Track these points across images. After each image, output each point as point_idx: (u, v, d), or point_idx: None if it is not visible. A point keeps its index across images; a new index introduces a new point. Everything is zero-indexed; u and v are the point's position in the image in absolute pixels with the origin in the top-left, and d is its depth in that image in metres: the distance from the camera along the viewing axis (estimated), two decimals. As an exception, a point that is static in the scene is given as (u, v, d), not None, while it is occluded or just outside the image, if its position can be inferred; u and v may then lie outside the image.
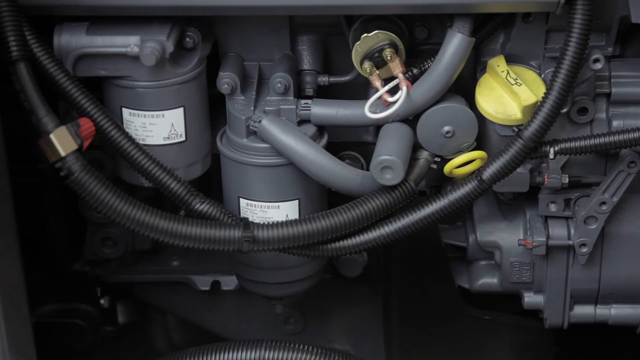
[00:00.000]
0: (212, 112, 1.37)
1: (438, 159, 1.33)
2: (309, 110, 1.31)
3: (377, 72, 1.28)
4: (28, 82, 1.17)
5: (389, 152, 1.25)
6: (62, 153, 1.20)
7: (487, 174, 1.27)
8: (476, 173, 1.28)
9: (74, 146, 1.20)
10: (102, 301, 1.65)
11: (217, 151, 1.35)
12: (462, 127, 1.30)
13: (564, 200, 1.40)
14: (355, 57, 1.29)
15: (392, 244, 1.32)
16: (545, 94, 1.25)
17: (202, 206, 1.28)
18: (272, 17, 1.34)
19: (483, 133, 1.34)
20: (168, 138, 1.31)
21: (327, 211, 1.28)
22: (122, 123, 1.30)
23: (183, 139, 1.32)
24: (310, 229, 1.26)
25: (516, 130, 1.28)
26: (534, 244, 1.40)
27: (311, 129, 1.32)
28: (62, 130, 1.19)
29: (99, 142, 1.35)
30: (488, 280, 1.50)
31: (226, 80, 1.31)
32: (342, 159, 1.40)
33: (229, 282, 1.59)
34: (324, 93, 1.37)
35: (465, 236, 1.50)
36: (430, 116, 1.30)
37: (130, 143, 1.27)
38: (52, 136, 1.19)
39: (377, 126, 1.34)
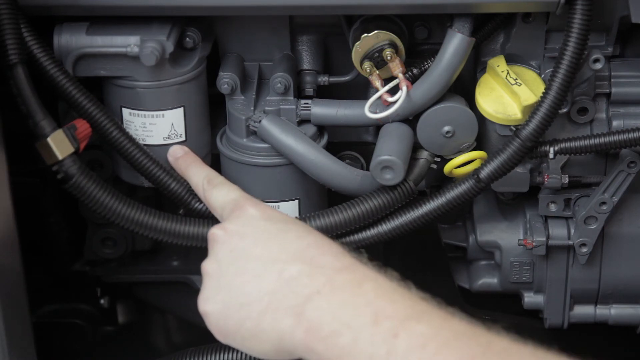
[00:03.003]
0: (212, 112, 1.37)
1: (438, 159, 1.33)
2: (309, 110, 1.31)
3: (377, 72, 1.28)
4: (25, 86, 1.18)
5: (389, 152, 1.25)
6: (59, 157, 1.20)
7: (484, 173, 1.27)
8: (473, 172, 1.28)
9: (70, 149, 1.21)
10: (102, 301, 1.65)
11: (217, 151, 1.35)
12: (462, 127, 1.30)
13: (564, 200, 1.40)
14: (355, 57, 1.29)
15: (392, 244, 1.32)
16: (543, 93, 1.25)
17: (200, 205, 1.29)
18: (272, 17, 1.34)
19: (483, 133, 1.34)
20: (168, 138, 1.31)
21: (324, 210, 1.28)
22: (122, 123, 1.30)
23: (183, 139, 1.32)
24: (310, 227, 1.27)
25: (514, 129, 1.28)
26: (534, 244, 1.40)
27: (311, 129, 1.32)
28: (59, 134, 1.20)
29: (98, 142, 1.35)
30: (488, 280, 1.50)
31: (226, 80, 1.31)
32: (342, 159, 1.40)
33: (229, 282, 1.59)
34: (324, 93, 1.37)
35: (465, 236, 1.50)
36: (430, 116, 1.30)
37: (130, 143, 1.27)
38: (49, 140, 1.19)
39: (377, 126, 1.34)
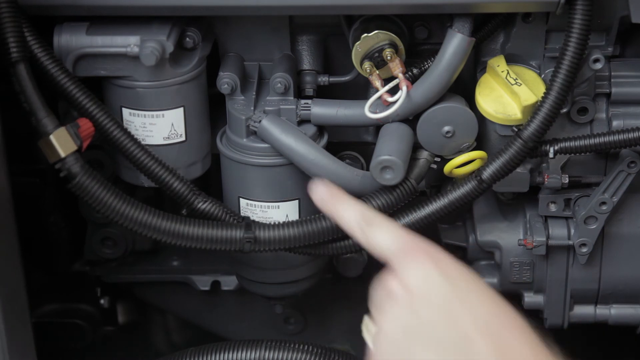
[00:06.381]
0: (212, 112, 1.37)
1: (438, 159, 1.33)
2: (309, 110, 1.31)
3: (377, 72, 1.28)
4: (28, 83, 1.17)
5: (389, 152, 1.25)
6: (62, 154, 1.20)
7: (486, 174, 1.27)
8: (476, 173, 1.28)
9: (73, 147, 1.20)
10: (102, 301, 1.65)
11: (217, 151, 1.35)
12: (462, 127, 1.30)
13: (564, 200, 1.40)
14: (355, 57, 1.29)
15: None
16: (544, 93, 1.25)
17: (204, 205, 1.28)
18: (272, 17, 1.34)
19: (483, 133, 1.34)
20: (168, 138, 1.31)
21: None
22: (122, 123, 1.30)
23: (183, 139, 1.32)
24: (312, 229, 1.27)
25: (516, 130, 1.28)
26: (534, 244, 1.40)
27: (311, 129, 1.32)
28: (62, 132, 1.20)
29: (99, 142, 1.35)
30: (488, 280, 1.50)
31: (226, 80, 1.31)
32: (342, 159, 1.40)
33: (229, 282, 1.59)
34: (324, 93, 1.37)
35: (465, 236, 1.50)
36: (430, 116, 1.30)
37: (132, 142, 1.27)
38: (51, 137, 1.19)
39: (377, 126, 1.34)
